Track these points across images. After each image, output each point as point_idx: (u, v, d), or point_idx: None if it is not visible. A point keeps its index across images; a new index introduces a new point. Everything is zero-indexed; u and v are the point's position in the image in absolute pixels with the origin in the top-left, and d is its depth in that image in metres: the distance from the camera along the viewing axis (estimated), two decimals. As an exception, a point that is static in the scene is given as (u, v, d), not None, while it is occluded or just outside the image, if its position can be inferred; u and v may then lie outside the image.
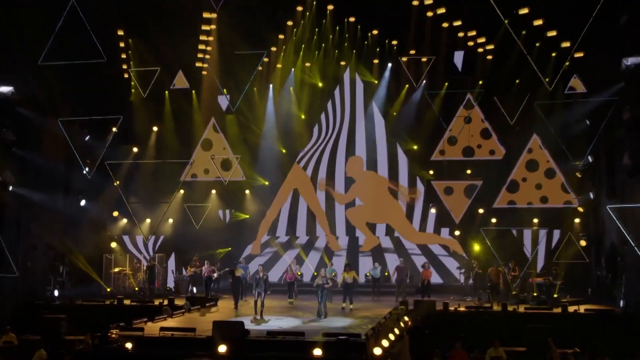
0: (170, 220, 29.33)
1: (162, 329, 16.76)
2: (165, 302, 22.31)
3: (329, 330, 16.66)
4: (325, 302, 20.49)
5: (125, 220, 29.02)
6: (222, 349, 15.48)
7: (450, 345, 17.48)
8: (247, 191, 29.85)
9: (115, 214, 28.51)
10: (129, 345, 15.86)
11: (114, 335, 16.27)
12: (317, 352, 15.10)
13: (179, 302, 22.47)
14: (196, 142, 29.75)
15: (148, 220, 29.13)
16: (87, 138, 26.73)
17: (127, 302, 23.35)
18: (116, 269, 27.08)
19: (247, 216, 29.93)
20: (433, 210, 28.19)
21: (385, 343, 16.38)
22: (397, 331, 18.28)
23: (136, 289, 25.79)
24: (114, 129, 27.46)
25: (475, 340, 17.88)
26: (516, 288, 24.33)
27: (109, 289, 26.37)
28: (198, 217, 29.05)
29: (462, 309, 21.42)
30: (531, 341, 18.19)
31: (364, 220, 29.44)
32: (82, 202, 26.94)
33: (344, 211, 29.79)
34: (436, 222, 28.65)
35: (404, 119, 28.75)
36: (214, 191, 29.72)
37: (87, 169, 25.91)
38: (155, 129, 29.27)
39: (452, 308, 21.32)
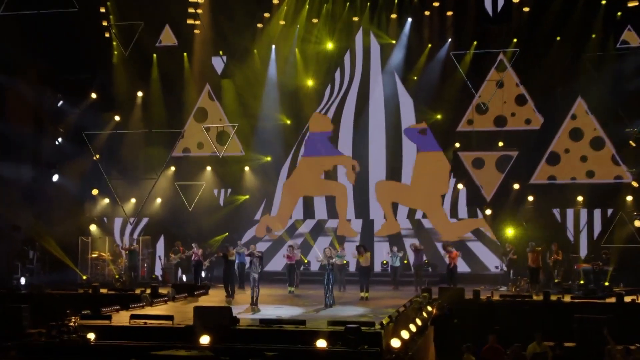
0: (159, 200, 27.73)
1: (133, 316, 14.87)
2: (148, 291, 20.53)
3: (337, 319, 14.67)
4: (332, 288, 18.46)
5: (107, 200, 27.35)
6: (205, 339, 13.64)
7: (482, 338, 15.80)
8: (246, 168, 28.06)
9: (95, 192, 26.84)
10: (91, 335, 13.94)
11: (72, 324, 14.31)
12: (321, 343, 13.26)
13: (164, 291, 20.79)
14: (187, 110, 28.08)
15: (133, 200, 27.47)
16: (61, 103, 25.26)
17: (103, 290, 21.64)
18: (94, 254, 25.39)
19: (247, 197, 28.12)
20: (460, 186, 26.19)
21: (405, 334, 14.44)
22: (419, 322, 16.54)
23: (116, 276, 23.96)
24: (93, 95, 25.90)
25: (513, 333, 16.27)
26: (559, 275, 22.51)
27: (84, 277, 24.70)
28: (191, 197, 27.10)
29: (496, 298, 19.75)
30: (582, 335, 16.36)
31: (390, 198, 27.28)
32: (55, 177, 25.33)
33: (352, 188, 27.73)
34: (453, 199, 26.69)
35: (425, 84, 26.79)
36: (209, 168, 28.02)
37: (60, 138, 24.18)
38: (140, 94, 27.51)
39: (484, 297, 19.61)
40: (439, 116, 26.81)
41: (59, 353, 13.88)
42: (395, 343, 13.58)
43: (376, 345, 13.15)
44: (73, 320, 14.55)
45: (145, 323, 14.65)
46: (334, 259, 18.81)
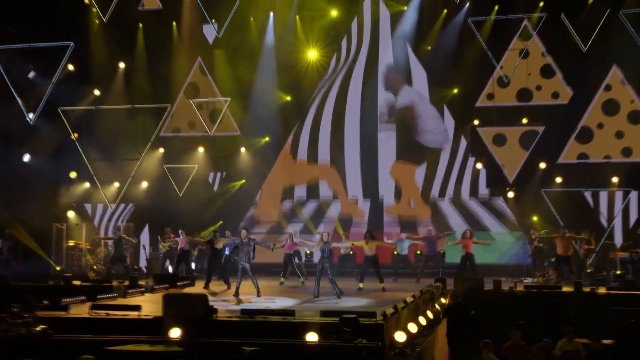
0: (145, 184, 26.63)
1: (94, 307, 13.48)
2: (127, 283, 19.30)
3: (332, 310, 13.28)
4: (334, 278, 17.13)
5: (87, 184, 26.42)
6: (175, 333, 12.22)
7: (504, 334, 14.81)
8: (242, 149, 26.81)
9: (73, 174, 25.85)
10: (41, 328, 12.53)
11: (28, 316, 12.96)
12: (312, 337, 11.82)
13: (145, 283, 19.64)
14: (176, 85, 26.88)
15: (116, 184, 26.57)
16: (32, 74, 24.15)
17: (77, 282, 20.31)
18: (71, 243, 24.24)
19: (243, 181, 26.96)
20: (479, 166, 24.85)
21: (412, 328, 12.98)
22: (430, 314, 15.14)
23: (94, 267, 22.71)
24: (70, 66, 24.97)
25: (538, 329, 15.30)
26: (591, 265, 21.35)
27: (58, 268, 23.58)
28: (181, 182, 26.55)
29: (519, 289, 18.50)
30: (622, 329, 15.07)
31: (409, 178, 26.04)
32: (26, 157, 24.36)
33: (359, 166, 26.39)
34: (472, 180, 25.33)
35: (440, 55, 25.46)
36: (201, 149, 26.84)
37: (31, 114, 23.12)
38: (122, 65, 26.34)
39: (506, 288, 18.36)
40: (455, 90, 25.59)
41: (8, 348, 12.47)
42: (400, 337, 12.11)
43: (377, 339, 11.67)
44: (32, 312, 13.20)
45: (107, 314, 13.24)
46: (341, 246, 17.39)
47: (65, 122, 24.38)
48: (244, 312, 12.96)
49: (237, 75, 26.73)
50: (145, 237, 26.19)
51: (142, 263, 25.13)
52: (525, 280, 20.73)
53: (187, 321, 12.31)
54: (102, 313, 13.27)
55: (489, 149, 24.85)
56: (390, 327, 12.25)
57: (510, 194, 24.41)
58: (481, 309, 16.27)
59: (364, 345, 11.44)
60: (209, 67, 26.90)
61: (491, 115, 24.98)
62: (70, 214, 25.60)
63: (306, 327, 11.96)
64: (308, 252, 24.95)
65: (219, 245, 19.93)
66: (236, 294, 17.11)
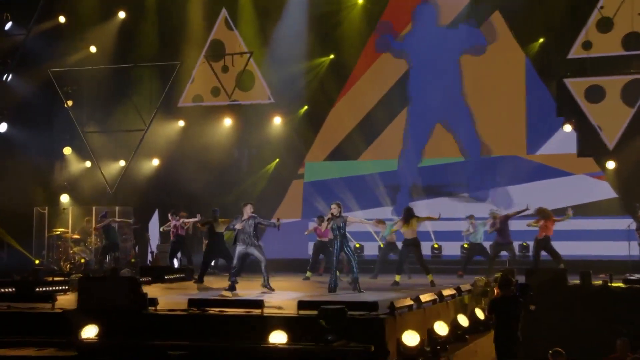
0: (156, 162, 24.80)
1: None
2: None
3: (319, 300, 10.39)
4: (354, 263, 14.37)
5: (88, 164, 24.60)
6: (90, 332, 9.69)
7: (589, 344, 13.34)
8: (276, 119, 24.70)
9: (67, 150, 24.20)
10: None
11: None
12: (277, 337, 9.12)
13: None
14: (193, 42, 24.79)
15: (122, 163, 24.59)
16: (9, 25, 22.73)
17: (49, 278, 18.11)
18: (57, 231, 22.38)
19: (277, 160, 25.08)
20: (568, 128, 22.24)
21: (440, 329, 9.92)
22: (480, 314, 12.39)
23: (81, 260, 20.99)
24: (61, 18, 23.71)
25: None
26: None
27: (37, 261, 21.88)
28: (201, 160, 24.43)
29: (616, 284, 15.87)
30: None
31: None
32: (3, 127, 22.68)
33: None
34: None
35: None
36: (227, 121, 24.78)
37: (9, 74, 22.32)
38: (121, 15, 24.47)
39: (597, 282, 15.79)
40: (541, 40, 23.32)
41: None
42: (411, 339, 9.02)
43: (373, 341, 8.68)
44: None
45: (9, 307, 10.90)
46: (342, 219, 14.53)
47: (56, 85, 22.78)
48: (192, 302, 10.06)
49: (267, 32, 24.73)
50: (154, 226, 24.40)
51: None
52: (631, 277, 17.56)
53: (109, 315, 9.71)
54: (3, 306, 10.81)
55: (581, 105, 22.30)
56: (399, 325, 9.25)
57: (610, 165, 21.86)
58: (557, 308, 14.30)
59: (350, 349, 8.43)
60: (234, 20, 24.96)
61: (585, 69, 22.50)
62: (64, 198, 23.97)
63: (274, 323, 9.25)
64: (357, 244, 22.54)
65: (221, 228, 17.60)
66: (231, 288, 14.44)
